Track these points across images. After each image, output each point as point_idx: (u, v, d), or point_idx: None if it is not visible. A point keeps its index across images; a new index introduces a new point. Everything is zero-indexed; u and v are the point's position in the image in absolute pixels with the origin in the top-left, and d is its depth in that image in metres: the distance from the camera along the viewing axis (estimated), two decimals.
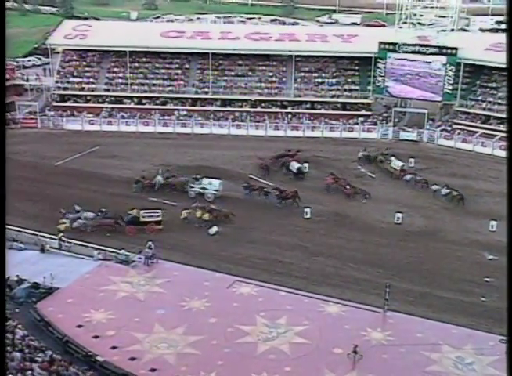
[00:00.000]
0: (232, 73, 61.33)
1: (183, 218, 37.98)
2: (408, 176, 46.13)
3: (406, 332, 26.99)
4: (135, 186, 42.96)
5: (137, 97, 60.05)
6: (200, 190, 42.16)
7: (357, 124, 57.13)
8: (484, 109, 56.56)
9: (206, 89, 60.07)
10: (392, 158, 48.37)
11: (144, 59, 61.79)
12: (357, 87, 59.83)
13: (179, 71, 61.63)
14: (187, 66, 62.06)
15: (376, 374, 24.06)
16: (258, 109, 59.28)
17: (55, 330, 25.97)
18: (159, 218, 37.27)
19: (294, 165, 46.49)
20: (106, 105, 59.47)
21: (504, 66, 55.79)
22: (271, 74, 61.36)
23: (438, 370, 24.50)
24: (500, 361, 24.88)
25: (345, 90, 59.63)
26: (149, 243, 32.71)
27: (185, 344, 25.69)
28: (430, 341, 26.13)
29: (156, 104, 59.74)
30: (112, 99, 59.98)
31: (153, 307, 28.31)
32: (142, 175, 44.31)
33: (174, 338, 26.06)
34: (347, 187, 43.53)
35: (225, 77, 60.86)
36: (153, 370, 24.00)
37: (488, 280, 32.60)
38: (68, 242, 33.72)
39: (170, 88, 60.17)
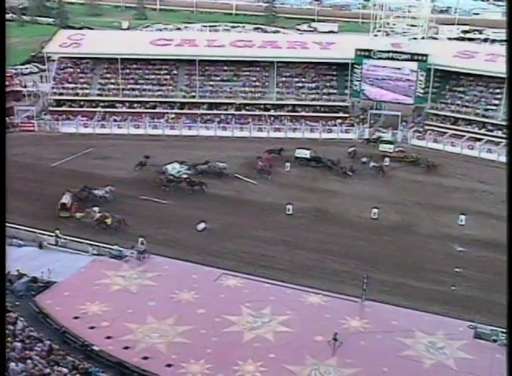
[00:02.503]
0: (218, 78, 61.21)
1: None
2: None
3: (382, 320, 27.13)
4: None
5: (128, 101, 59.77)
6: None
7: (335, 125, 57.24)
8: (453, 111, 56.96)
9: (193, 93, 59.90)
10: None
11: (135, 66, 61.52)
12: (335, 91, 59.96)
13: (168, 77, 61.41)
14: (175, 72, 61.86)
15: (355, 359, 24.19)
16: (243, 112, 59.23)
17: (53, 322, 25.85)
18: None
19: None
20: (99, 109, 59.12)
21: (472, 72, 56.66)
22: (254, 78, 61.32)
23: (411, 355, 24.67)
24: (468, 345, 25.21)
25: (324, 94, 59.74)
26: (141, 239, 32.62)
27: (175, 333, 25.66)
28: (404, 328, 26.30)
29: (147, 108, 59.49)
30: (105, 103, 59.63)
31: (145, 299, 28.24)
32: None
33: (165, 328, 26.02)
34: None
35: (212, 82, 60.73)
36: (145, 358, 23.96)
37: (458, 270, 32.87)
38: (64, 238, 33.55)
39: (159, 92, 59.95)
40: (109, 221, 36.49)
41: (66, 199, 38.42)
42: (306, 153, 48.77)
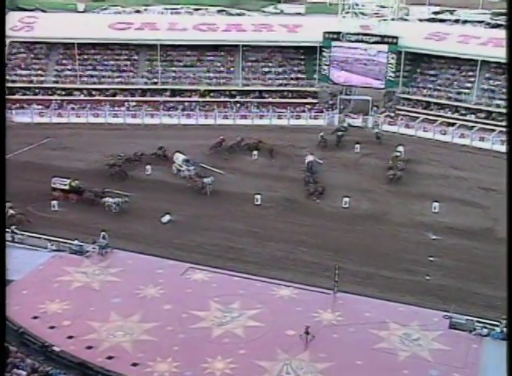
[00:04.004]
0: (181, 63, 60.81)
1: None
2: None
3: (355, 312, 27.38)
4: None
5: (86, 89, 59.04)
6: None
7: (304, 111, 57.43)
8: (424, 95, 57.51)
9: (155, 80, 59.45)
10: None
11: (92, 51, 60.74)
12: (303, 76, 60.06)
13: (128, 62, 60.81)
14: (136, 57, 61.29)
15: (328, 353, 24.39)
16: (207, 98, 59.00)
17: (10, 322, 25.49)
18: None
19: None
20: (55, 97, 58.28)
21: (444, 54, 57.23)
22: (219, 64, 61.07)
23: (385, 347, 24.96)
24: (443, 336, 25.58)
25: (292, 79, 59.81)
26: (103, 233, 32.35)
27: (141, 331, 25.57)
28: (378, 320, 26.57)
29: (106, 95, 58.82)
30: (61, 91, 58.87)
31: (108, 296, 28.07)
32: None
33: (130, 326, 25.91)
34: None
35: (174, 68, 60.33)
36: (110, 357, 23.83)
37: (431, 259, 33.29)
38: (21, 234, 33.10)
39: (119, 79, 59.37)
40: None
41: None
42: None
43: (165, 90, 59.37)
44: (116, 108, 57.29)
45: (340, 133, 52.25)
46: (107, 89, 59.11)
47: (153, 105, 57.92)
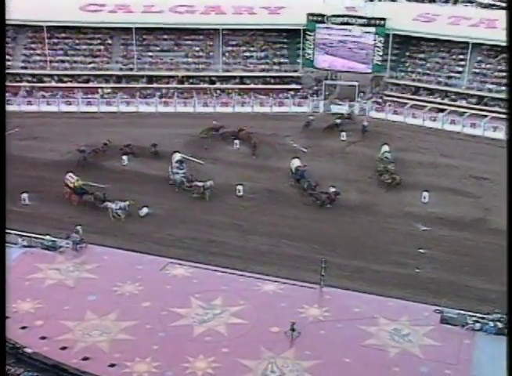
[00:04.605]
0: (158, 48, 60.50)
1: None
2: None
3: (343, 307, 27.52)
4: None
5: (57, 75, 58.57)
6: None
7: (287, 98, 57.42)
8: (413, 80, 57.75)
9: (130, 66, 59.10)
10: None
11: (63, 35, 60.18)
12: (286, 60, 60.00)
13: (101, 47, 60.37)
14: (109, 41, 60.84)
15: (314, 350, 24.50)
16: (186, 85, 58.80)
17: None
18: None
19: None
20: (24, 84, 57.80)
21: (433, 36, 57.42)
22: (197, 48, 60.82)
23: (375, 344, 25.12)
24: (434, 331, 25.79)
25: (274, 64, 59.73)
26: (77, 227, 32.19)
27: (118, 330, 25.53)
28: (366, 315, 26.73)
29: (79, 82, 58.40)
30: (30, 77, 58.37)
31: (83, 293, 27.97)
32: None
33: (106, 325, 25.85)
34: None
35: (150, 53, 60.00)
36: (85, 358, 23.76)
37: (422, 251, 33.52)
38: None
39: (92, 65, 58.94)
40: None
41: None
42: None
43: (141, 76, 59.07)
44: (89, 95, 56.90)
45: (338, 121, 52.32)
46: (80, 75, 58.63)
47: (128, 92, 57.62)
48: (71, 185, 38.18)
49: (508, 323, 22.85)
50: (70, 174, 38.58)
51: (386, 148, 45.45)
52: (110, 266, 30.42)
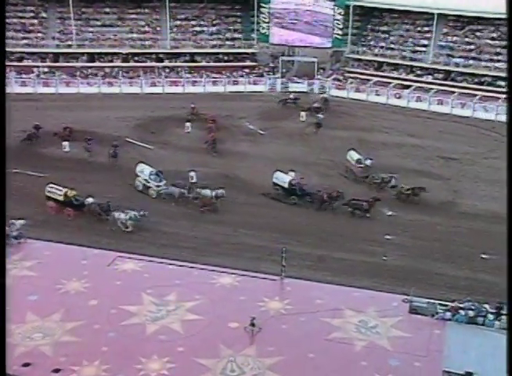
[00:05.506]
0: (99, 23, 59.88)
1: None
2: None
3: (306, 299, 27.68)
4: None
5: None
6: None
7: (242, 76, 57.39)
8: (376, 55, 58.31)
9: (69, 42, 58.40)
10: None
11: None
12: (240, 35, 60.01)
13: (35, 21, 59.46)
14: (44, 15, 59.92)
15: (277, 346, 24.62)
16: (131, 63, 58.40)
17: None
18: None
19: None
20: None
21: (396, 7, 57.89)
22: (143, 23, 60.41)
23: (340, 337, 25.35)
24: (403, 321, 26.14)
25: (227, 39, 59.68)
26: (20, 221, 31.66)
27: (63, 331, 25.28)
28: (331, 307, 26.94)
29: (11, 60, 57.32)
30: None
31: (23, 293, 27.60)
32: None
33: (50, 326, 25.58)
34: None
35: (91, 28, 59.38)
36: (26, 364, 23.45)
37: (388, 237, 33.87)
38: None
39: (26, 41, 58.10)
40: None
41: None
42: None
43: (81, 54, 58.47)
44: (24, 75, 56.01)
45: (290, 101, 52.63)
46: (12, 53, 57.48)
47: (68, 71, 56.87)
48: (60, 198, 35.59)
49: (508, 321, 23.30)
50: (52, 185, 36.12)
51: (355, 154, 41.77)
52: (53, 262, 30.09)
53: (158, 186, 38.06)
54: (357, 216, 35.82)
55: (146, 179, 38.48)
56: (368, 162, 41.15)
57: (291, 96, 53.12)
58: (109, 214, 34.79)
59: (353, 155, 41.62)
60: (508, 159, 21.63)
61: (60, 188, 35.75)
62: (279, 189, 38.18)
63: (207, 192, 36.73)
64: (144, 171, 38.71)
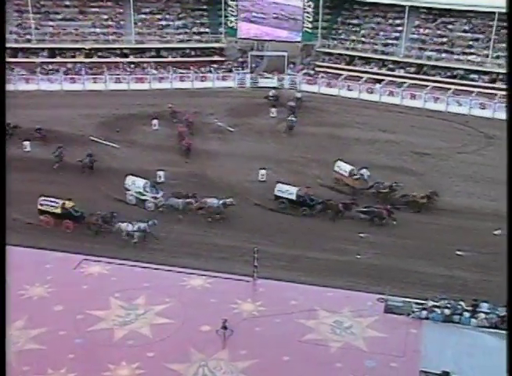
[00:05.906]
0: (59, 16, 59.42)
1: None
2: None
3: (279, 300, 27.73)
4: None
5: None
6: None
7: (210, 72, 57.33)
8: (347, 48, 58.60)
9: (28, 37, 57.84)
10: None
11: None
12: (207, 29, 59.94)
13: None
14: None
15: (250, 349, 24.64)
16: (95, 59, 58.00)
17: None
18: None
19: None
20: None
21: (367, 0, 58.25)
22: (106, 16, 60.05)
23: (315, 338, 25.43)
24: (379, 321, 26.31)
25: (194, 33, 59.59)
26: None
27: (26, 339, 25.02)
28: (305, 308, 27.01)
29: None
30: None
31: None
32: None
33: (12, 334, 25.26)
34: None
35: (51, 22, 58.89)
36: None
37: (362, 235, 34.08)
38: None
39: None
40: None
41: None
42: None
43: (42, 49, 57.88)
44: None
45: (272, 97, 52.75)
46: None
47: (27, 67, 56.33)
48: (57, 210, 34.57)
49: (508, 320, 23.51)
50: (45, 198, 35.07)
51: (346, 165, 40.10)
52: (14, 267, 29.50)
53: (156, 198, 36.96)
54: (376, 223, 35.07)
55: (139, 192, 37.20)
56: (363, 171, 39.23)
57: (270, 94, 52.97)
58: (113, 225, 34.08)
59: (343, 167, 39.89)
60: (508, 159, 21.84)
61: (56, 200, 34.81)
62: (285, 201, 36.84)
63: (213, 201, 35.96)
64: (136, 183, 37.34)
